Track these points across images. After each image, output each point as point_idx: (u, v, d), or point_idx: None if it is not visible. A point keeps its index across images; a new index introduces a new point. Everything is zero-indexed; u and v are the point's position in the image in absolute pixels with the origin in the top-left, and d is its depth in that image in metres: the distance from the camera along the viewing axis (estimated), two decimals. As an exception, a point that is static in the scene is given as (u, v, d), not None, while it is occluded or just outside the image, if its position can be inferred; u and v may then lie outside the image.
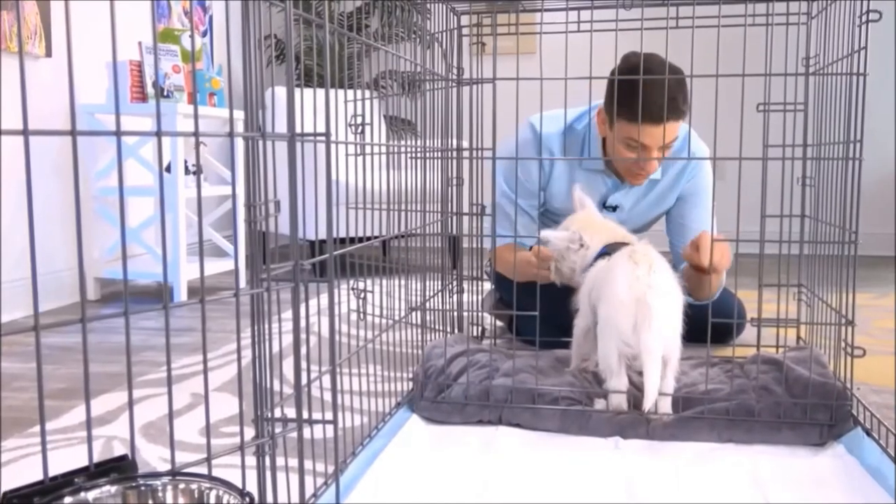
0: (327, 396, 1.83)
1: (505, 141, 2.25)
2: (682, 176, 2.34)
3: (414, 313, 2.00)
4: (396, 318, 1.88)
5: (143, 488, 0.93)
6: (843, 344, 1.65)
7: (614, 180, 2.31)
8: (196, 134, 0.93)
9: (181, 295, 3.29)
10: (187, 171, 3.59)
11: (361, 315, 1.95)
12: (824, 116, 1.82)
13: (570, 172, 2.29)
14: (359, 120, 1.75)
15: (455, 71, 2.14)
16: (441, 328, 2.17)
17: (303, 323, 1.06)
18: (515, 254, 2.09)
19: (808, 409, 1.64)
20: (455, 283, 2.26)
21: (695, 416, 1.67)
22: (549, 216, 2.36)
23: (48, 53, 3.09)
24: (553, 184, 2.31)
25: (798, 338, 2.12)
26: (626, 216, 2.37)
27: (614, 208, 2.35)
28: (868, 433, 1.58)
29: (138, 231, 3.36)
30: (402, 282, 1.99)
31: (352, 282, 1.89)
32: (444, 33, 2.12)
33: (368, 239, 1.63)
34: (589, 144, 2.24)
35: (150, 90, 3.32)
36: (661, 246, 2.56)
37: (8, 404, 1.95)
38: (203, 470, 0.98)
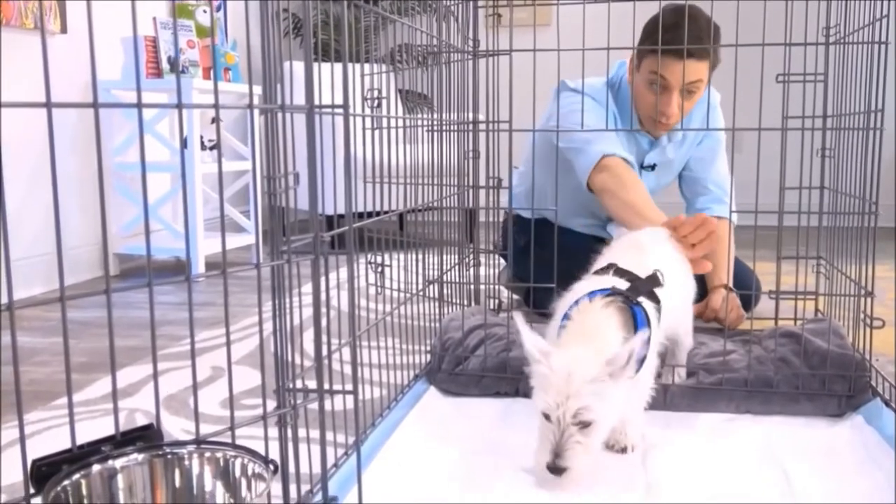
0: (347, 370, 1.84)
1: (547, 113, 2.26)
2: (700, 134, 2.35)
3: (431, 287, 2.00)
4: (414, 291, 1.89)
5: (169, 456, 0.94)
6: (862, 315, 1.64)
7: (649, 139, 2.30)
8: (216, 106, 0.94)
9: (199, 269, 3.31)
10: (203, 147, 3.60)
11: (379, 289, 1.96)
12: (845, 87, 1.80)
13: None
14: (375, 94, 1.75)
15: (471, 43, 2.12)
16: (458, 301, 2.18)
17: (323, 296, 1.07)
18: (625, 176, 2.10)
19: (827, 381, 1.64)
20: (472, 256, 2.27)
21: (713, 388, 1.67)
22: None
23: (63, 30, 3.09)
24: None
25: (816, 310, 2.11)
26: (660, 176, 2.37)
27: (653, 167, 2.34)
28: (887, 404, 1.58)
29: (155, 207, 3.37)
30: (420, 255, 1.99)
31: (369, 256, 1.90)
32: (460, 5, 2.10)
33: (385, 213, 1.63)
34: (629, 103, 2.26)
35: (165, 66, 3.32)
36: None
37: (30, 378, 1.97)
38: (226, 440, 0.99)
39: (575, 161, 2.19)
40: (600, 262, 1.60)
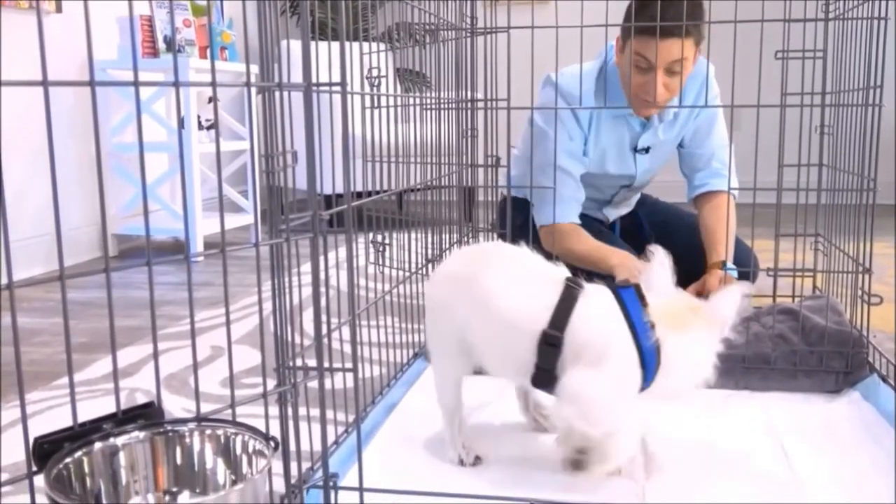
0: (346, 348, 1.84)
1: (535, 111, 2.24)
2: (696, 109, 2.33)
3: (430, 265, 2.01)
4: (413, 270, 1.89)
5: (170, 434, 0.94)
6: (859, 292, 1.65)
7: (641, 121, 2.28)
8: (213, 84, 0.93)
9: (198, 250, 3.31)
10: (200, 127, 3.59)
11: (379, 268, 1.96)
12: (844, 63, 1.79)
13: (598, 121, 2.25)
14: (374, 73, 1.74)
15: (469, 20, 2.11)
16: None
17: (322, 275, 1.07)
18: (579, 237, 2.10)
19: (824, 357, 1.64)
20: (470, 234, 2.27)
21: (711, 365, 1.68)
22: (588, 180, 2.31)
23: (58, 9, 3.07)
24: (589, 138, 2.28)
25: (814, 287, 2.12)
26: (654, 158, 2.36)
27: (647, 150, 2.32)
28: (884, 380, 1.59)
29: (153, 187, 3.37)
30: (418, 234, 1.99)
31: (369, 235, 1.90)
32: (458, -18, 2.09)
33: (384, 192, 1.63)
34: (619, 86, 2.22)
35: (161, 45, 3.30)
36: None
37: (30, 358, 1.98)
38: (227, 418, 0.99)
39: (534, 206, 2.18)
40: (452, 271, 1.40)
